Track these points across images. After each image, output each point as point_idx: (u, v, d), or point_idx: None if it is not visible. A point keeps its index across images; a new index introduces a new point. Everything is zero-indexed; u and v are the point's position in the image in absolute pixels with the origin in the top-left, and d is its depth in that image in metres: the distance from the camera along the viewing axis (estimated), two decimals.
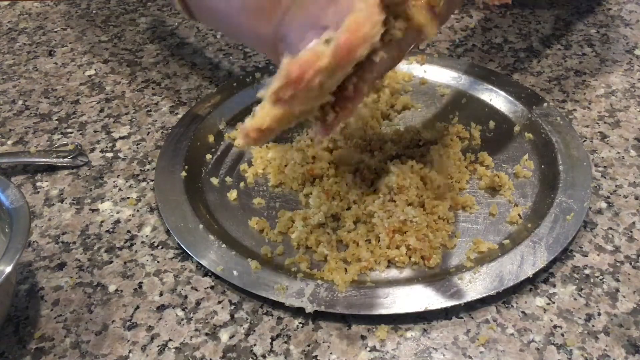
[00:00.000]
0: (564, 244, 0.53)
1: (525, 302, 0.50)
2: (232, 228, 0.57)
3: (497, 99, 0.69)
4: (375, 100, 0.68)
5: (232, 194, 0.60)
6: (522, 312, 0.50)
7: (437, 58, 0.74)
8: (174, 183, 0.59)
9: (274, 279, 0.51)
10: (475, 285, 0.50)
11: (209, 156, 0.64)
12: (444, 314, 0.50)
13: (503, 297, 0.50)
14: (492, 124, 0.66)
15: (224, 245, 0.54)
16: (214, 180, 0.61)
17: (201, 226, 0.55)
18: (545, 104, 0.66)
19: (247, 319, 0.50)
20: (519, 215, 0.56)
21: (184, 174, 0.60)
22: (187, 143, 0.64)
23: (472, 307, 0.50)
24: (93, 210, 0.60)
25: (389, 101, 0.69)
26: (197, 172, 0.62)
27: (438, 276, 0.51)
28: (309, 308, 0.49)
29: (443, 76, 0.72)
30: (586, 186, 0.57)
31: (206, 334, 0.49)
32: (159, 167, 0.61)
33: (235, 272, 0.51)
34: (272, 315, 0.50)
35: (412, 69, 0.73)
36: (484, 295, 0.49)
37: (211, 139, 0.65)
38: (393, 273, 0.53)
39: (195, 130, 0.65)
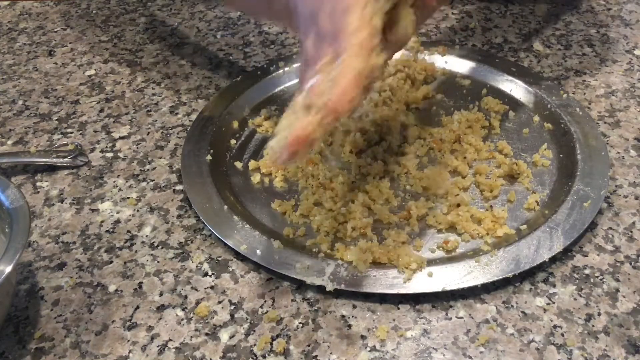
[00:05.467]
0: (580, 229, 0.54)
1: (525, 302, 0.50)
2: (255, 210, 0.58)
3: (517, 90, 0.69)
4: (399, 88, 0.70)
5: (256, 178, 0.61)
6: (522, 312, 0.50)
7: (458, 49, 0.75)
8: (200, 166, 0.61)
9: (295, 259, 0.52)
10: (491, 267, 0.51)
11: (233, 141, 0.66)
12: (445, 313, 0.50)
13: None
14: (512, 114, 0.67)
15: (247, 226, 0.55)
16: (238, 164, 0.63)
17: (226, 207, 0.57)
18: (565, 95, 0.67)
19: (247, 319, 0.50)
20: (536, 202, 0.57)
21: (209, 157, 0.62)
22: (212, 128, 0.66)
23: (471, 306, 0.50)
24: (93, 210, 0.60)
25: (410, 91, 0.69)
26: (222, 156, 0.64)
27: (455, 259, 0.52)
28: (330, 286, 0.50)
29: (463, 67, 0.72)
30: (604, 175, 0.58)
31: (206, 334, 0.49)
32: (185, 150, 0.63)
33: (258, 252, 0.53)
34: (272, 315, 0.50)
35: (433, 59, 0.73)
36: (500, 277, 0.50)
37: (235, 125, 0.67)
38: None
39: (220, 117, 0.67)
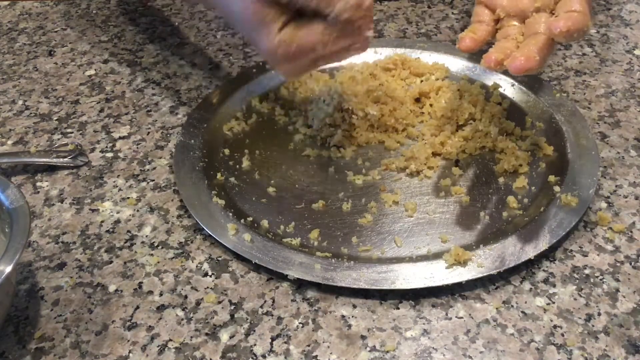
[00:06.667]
0: (567, 228, 0.54)
1: (525, 302, 0.50)
2: (246, 206, 0.59)
3: (510, 89, 0.70)
4: (405, 87, 0.70)
5: (249, 175, 0.62)
6: (522, 312, 0.50)
7: (455, 48, 0.74)
8: (192, 161, 0.62)
9: (286, 254, 0.53)
10: (475, 265, 0.51)
11: (226, 137, 0.66)
12: (445, 313, 0.50)
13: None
14: (505, 113, 0.67)
15: (238, 221, 0.56)
16: (231, 162, 0.63)
17: (216, 202, 0.57)
18: (558, 95, 0.68)
19: (247, 319, 0.50)
20: (525, 199, 0.57)
21: (200, 153, 0.63)
22: (205, 124, 0.66)
23: (471, 306, 0.50)
24: (93, 210, 0.60)
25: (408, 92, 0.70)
26: (215, 152, 0.64)
27: (439, 255, 0.52)
28: (319, 279, 0.50)
29: (458, 66, 0.73)
30: (593, 174, 0.58)
31: (206, 334, 0.49)
32: (179, 145, 0.64)
33: (247, 246, 0.53)
34: (272, 315, 0.50)
35: (429, 58, 0.74)
36: (485, 274, 0.50)
37: (229, 121, 0.68)
38: (394, 252, 0.54)
39: (214, 112, 0.68)
